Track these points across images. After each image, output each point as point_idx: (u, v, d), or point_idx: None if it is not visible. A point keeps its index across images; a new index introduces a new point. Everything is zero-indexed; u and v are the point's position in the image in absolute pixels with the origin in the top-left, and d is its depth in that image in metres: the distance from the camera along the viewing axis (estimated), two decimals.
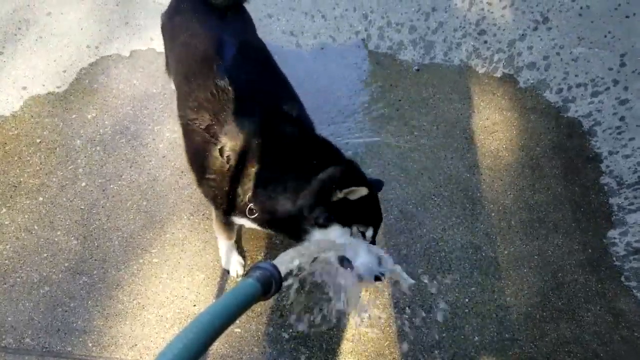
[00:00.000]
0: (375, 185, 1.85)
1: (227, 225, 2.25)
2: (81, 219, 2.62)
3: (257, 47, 2.24)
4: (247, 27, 2.35)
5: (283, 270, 1.29)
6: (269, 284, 1.19)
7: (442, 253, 2.62)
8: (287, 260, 1.42)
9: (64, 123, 2.91)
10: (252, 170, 1.78)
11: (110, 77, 3.10)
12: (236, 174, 1.81)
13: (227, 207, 1.93)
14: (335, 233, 1.65)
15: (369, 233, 1.71)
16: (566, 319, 2.48)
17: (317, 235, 1.67)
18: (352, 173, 1.71)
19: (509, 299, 2.52)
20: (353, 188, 1.60)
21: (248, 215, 1.82)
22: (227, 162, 1.83)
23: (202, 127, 1.91)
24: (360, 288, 1.80)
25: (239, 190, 1.83)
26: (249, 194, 1.79)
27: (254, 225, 1.96)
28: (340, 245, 1.81)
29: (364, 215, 1.67)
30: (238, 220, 1.99)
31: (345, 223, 1.65)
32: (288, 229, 1.78)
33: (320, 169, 1.67)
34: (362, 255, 1.65)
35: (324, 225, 1.64)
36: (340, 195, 1.60)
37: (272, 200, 1.73)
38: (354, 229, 1.67)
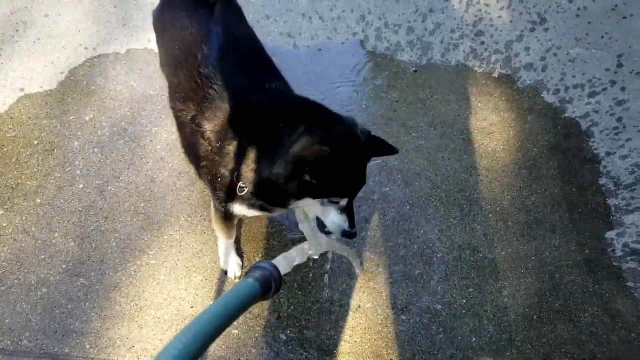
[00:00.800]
0: (369, 147, 1.77)
1: (228, 221, 2.24)
2: (79, 221, 2.63)
3: (243, 35, 2.23)
4: (235, 16, 2.35)
5: (283, 271, 1.30)
6: (268, 285, 1.19)
7: (440, 254, 2.62)
8: (288, 260, 1.42)
9: (61, 125, 2.91)
10: (231, 147, 1.76)
11: (108, 79, 3.10)
12: (219, 154, 1.80)
13: (222, 193, 1.91)
14: (307, 203, 1.70)
15: (343, 202, 1.73)
16: (563, 320, 2.48)
17: (294, 204, 1.71)
18: (327, 154, 1.56)
19: (506, 300, 2.52)
20: (316, 178, 1.58)
21: (239, 193, 1.79)
22: (210, 145, 1.83)
23: (189, 117, 1.91)
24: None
25: (225, 171, 1.81)
26: (236, 173, 1.77)
27: (250, 212, 1.96)
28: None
29: (336, 189, 1.66)
30: (235, 208, 1.97)
31: (317, 196, 1.67)
32: (272, 198, 1.76)
33: (300, 133, 1.62)
34: (331, 217, 1.75)
35: (298, 198, 1.67)
36: (307, 179, 1.59)
37: (254, 172, 1.71)
38: (325, 200, 1.70)
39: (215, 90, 1.86)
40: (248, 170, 1.73)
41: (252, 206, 1.88)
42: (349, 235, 1.77)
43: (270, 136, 1.67)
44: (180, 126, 2.04)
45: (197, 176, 2.10)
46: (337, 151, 1.58)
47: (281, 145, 1.62)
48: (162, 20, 2.34)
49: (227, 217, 2.18)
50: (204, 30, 2.09)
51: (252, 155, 1.71)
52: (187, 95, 1.94)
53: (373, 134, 1.82)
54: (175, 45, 2.12)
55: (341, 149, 1.60)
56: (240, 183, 1.77)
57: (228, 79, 1.89)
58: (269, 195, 1.74)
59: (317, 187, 1.62)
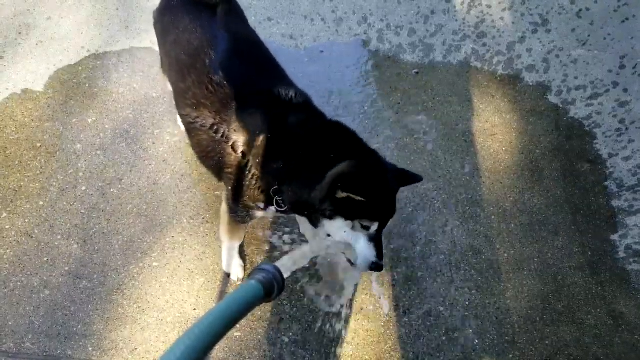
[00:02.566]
0: (400, 177, 1.87)
1: (239, 223, 2.24)
2: (81, 223, 2.63)
3: (248, 38, 2.24)
4: (238, 18, 2.35)
5: (285, 273, 1.30)
6: (271, 286, 1.19)
7: (442, 256, 2.62)
8: (290, 262, 1.42)
9: (64, 127, 2.92)
10: (272, 165, 1.81)
11: (110, 81, 3.11)
12: (256, 168, 1.85)
13: (247, 200, 1.96)
14: (339, 224, 1.72)
15: (374, 227, 1.74)
16: (566, 322, 2.48)
17: (326, 223, 1.73)
18: (360, 172, 1.68)
19: (509, 302, 2.52)
20: (349, 195, 1.62)
21: (277, 208, 1.85)
22: (244, 158, 1.86)
23: (207, 126, 1.93)
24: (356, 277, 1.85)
25: (260, 184, 1.86)
26: (274, 188, 1.82)
27: (270, 215, 2.00)
28: (343, 247, 1.83)
29: (368, 212, 1.69)
30: (259, 212, 2.01)
31: (348, 217, 1.69)
32: (307, 216, 1.82)
33: (338, 158, 1.69)
34: (360, 245, 1.74)
35: (330, 217, 1.70)
36: (342, 195, 1.63)
37: (294, 193, 1.77)
38: (356, 223, 1.71)
39: (237, 100, 1.88)
40: (286, 189, 1.79)
41: (281, 212, 1.91)
42: (377, 267, 1.76)
43: (309, 160, 1.74)
44: (193, 132, 2.03)
45: (200, 178, 2.11)
46: (370, 172, 1.69)
47: (320, 170, 1.69)
48: (164, 22, 2.34)
49: (242, 221, 2.20)
50: (209, 34, 2.09)
51: (290, 175, 1.77)
52: (199, 102, 1.94)
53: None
54: (180, 49, 2.12)
55: (372, 171, 1.71)
56: (277, 197, 1.82)
57: (245, 87, 1.92)
58: (305, 211, 1.81)
59: (349, 205, 1.65)
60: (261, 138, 1.81)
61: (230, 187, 1.99)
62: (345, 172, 1.63)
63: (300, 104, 1.96)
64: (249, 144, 1.83)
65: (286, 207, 1.83)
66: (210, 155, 1.99)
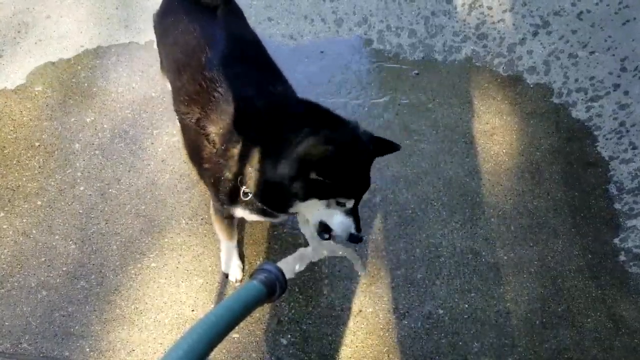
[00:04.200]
0: (371, 148, 1.77)
1: (227, 222, 2.23)
2: (79, 223, 2.62)
3: (246, 38, 2.23)
4: (237, 19, 2.34)
5: (287, 274, 1.29)
6: (273, 287, 1.18)
7: (442, 258, 2.61)
8: (292, 263, 1.40)
9: (62, 126, 2.90)
10: (235, 150, 1.76)
11: (109, 80, 3.10)
12: (223, 157, 1.80)
13: (224, 196, 1.91)
14: (313, 204, 1.69)
15: (349, 204, 1.71)
16: (566, 325, 2.47)
17: (299, 205, 1.69)
18: (334, 152, 1.58)
19: (508, 304, 2.51)
20: (322, 176, 1.57)
21: (242, 198, 1.79)
22: (214, 147, 1.82)
23: (194, 120, 1.90)
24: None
25: (228, 174, 1.81)
26: (240, 176, 1.77)
27: (251, 217, 1.95)
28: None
29: (342, 190, 1.66)
30: (237, 212, 1.96)
31: (322, 197, 1.66)
32: (275, 201, 1.75)
33: (305, 134, 1.62)
34: (338, 219, 1.72)
35: (303, 198, 1.66)
36: (314, 176, 1.59)
37: (258, 174, 1.70)
38: (331, 201, 1.68)
39: (220, 93, 1.85)
40: (252, 173, 1.72)
41: (254, 210, 1.87)
42: (356, 238, 1.74)
43: (274, 139, 1.67)
44: (185, 129, 2.03)
45: (199, 178, 2.10)
46: (342, 150, 1.59)
47: (286, 146, 1.62)
48: (164, 24, 2.34)
49: (227, 219, 2.18)
50: (207, 33, 2.08)
51: (256, 158, 1.70)
52: (191, 98, 1.93)
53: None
54: (178, 49, 2.11)
55: (345, 149, 1.62)
56: (244, 187, 1.76)
57: (232, 82, 1.88)
58: (272, 197, 1.73)
59: (323, 186, 1.61)
60: (229, 124, 1.77)
61: (208, 185, 1.96)
62: (317, 154, 1.57)
63: (275, 92, 1.91)
64: (220, 133, 1.79)
65: (251, 195, 1.75)
66: (195, 151, 1.96)
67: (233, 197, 1.86)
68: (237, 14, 2.38)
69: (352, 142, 1.68)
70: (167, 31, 2.29)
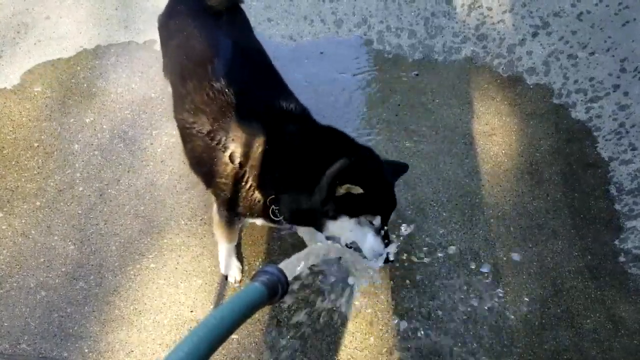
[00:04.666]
0: (394, 169, 1.92)
1: (231, 226, 2.24)
2: (78, 224, 2.62)
3: (252, 48, 2.24)
4: (243, 27, 2.35)
5: (289, 275, 1.28)
6: (275, 289, 1.18)
7: (441, 259, 2.61)
8: (293, 265, 1.40)
9: (61, 127, 2.90)
10: (269, 175, 1.81)
11: (108, 81, 3.10)
12: (251, 177, 1.84)
13: (241, 209, 1.96)
14: (344, 224, 1.74)
15: (377, 221, 1.76)
16: (565, 326, 2.47)
17: (330, 225, 1.75)
18: (357, 167, 1.70)
19: (507, 305, 2.50)
20: (348, 185, 1.63)
21: (272, 218, 1.86)
22: (241, 168, 1.85)
23: (203, 132, 1.91)
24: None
25: (257, 194, 1.86)
26: (270, 197, 1.82)
27: (267, 224, 2.01)
28: (347, 250, 1.82)
29: (370, 205, 1.72)
30: (256, 221, 2.02)
31: (352, 214, 1.71)
32: (309, 223, 1.84)
33: (331, 161, 1.69)
34: (368, 240, 1.78)
35: (334, 217, 1.71)
36: (342, 191, 1.65)
37: (293, 202, 1.78)
38: (361, 218, 1.74)
39: (237, 109, 1.87)
40: (287, 200, 1.79)
41: (275, 222, 1.92)
42: (386, 261, 1.79)
43: (305, 166, 1.75)
44: (188, 138, 2.01)
45: (203, 184, 2.10)
46: (365, 165, 1.72)
47: (316, 173, 1.69)
48: (168, 27, 2.33)
49: (232, 223, 2.20)
50: (213, 40, 2.08)
51: (288, 184, 1.78)
52: (198, 107, 1.92)
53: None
54: (183, 54, 2.11)
55: (369, 165, 1.75)
56: (273, 206, 1.83)
57: (246, 96, 1.91)
58: (303, 219, 1.83)
59: (351, 200, 1.66)
60: (259, 149, 1.81)
61: (223, 197, 1.98)
62: (341, 167, 1.64)
63: (298, 116, 1.96)
64: (247, 154, 1.82)
65: (281, 217, 1.84)
66: (203, 162, 1.97)
67: (254, 211, 1.92)
68: (244, 21, 2.38)
69: (375, 163, 1.80)
70: (171, 34, 2.28)
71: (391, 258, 1.81)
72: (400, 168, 2.00)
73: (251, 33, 2.38)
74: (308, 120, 2.00)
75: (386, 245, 1.78)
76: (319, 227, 1.79)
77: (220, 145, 1.87)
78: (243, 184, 1.87)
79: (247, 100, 1.91)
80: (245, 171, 1.84)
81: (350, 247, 1.83)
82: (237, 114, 1.87)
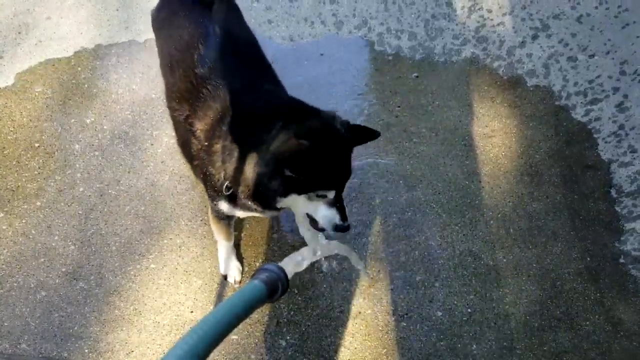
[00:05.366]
0: (356, 132, 1.78)
1: (223, 221, 2.24)
2: (79, 224, 2.62)
3: (241, 36, 2.23)
4: (233, 16, 2.34)
5: (289, 273, 1.29)
6: (275, 287, 1.18)
7: (441, 260, 2.61)
8: (293, 263, 1.41)
9: (62, 127, 2.91)
10: (218, 145, 1.78)
11: (109, 81, 3.10)
12: (208, 153, 1.82)
13: (212, 192, 1.93)
14: (295, 201, 1.70)
15: (330, 195, 1.70)
16: (565, 328, 2.47)
17: (281, 202, 1.70)
18: (307, 147, 1.57)
19: (507, 307, 2.51)
20: (295, 171, 1.58)
21: (224, 193, 1.81)
22: (200, 143, 1.84)
23: (183, 117, 1.93)
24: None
25: (213, 169, 1.82)
26: (223, 171, 1.79)
27: (239, 212, 1.96)
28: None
29: (321, 182, 1.66)
30: (224, 207, 1.97)
31: (301, 192, 1.67)
32: (258, 198, 1.75)
33: (278, 130, 1.63)
34: (321, 211, 1.72)
35: (283, 195, 1.67)
36: (288, 173, 1.59)
37: (239, 172, 1.72)
38: (311, 194, 1.68)
39: (208, 90, 1.86)
40: (233, 170, 1.74)
41: (239, 205, 1.88)
42: (341, 228, 1.73)
43: (252, 135, 1.69)
44: (176, 125, 2.06)
45: (195, 177, 2.11)
46: (314, 143, 1.58)
47: (261, 143, 1.64)
48: (160, 19, 2.35)
49: (222, 217, 2.18)
50: (201, 29, 2.08)
51: (236, 154, 1.72)
52: (182, 95, 1.94)
53: (376, 141, 1.83)
54: (172, 45, 2.12)
55: (318, 141, 1.60)
56: (227, 182, 1.78)
57: (221, 79, 1.89)
58: (255, 194, 1.74)
59: (299, 181, 1.62)
60: (217, 123, 1.78)
61: (200, 180, 1.98)
62: (288, 150, 1.58)
63: (262, 90, 1.93)
64: (208, 130, 1.81)
65: (232, 190, 1.77)
66: (186, 147, 1.98)
67: (219, 192, 1.87)
68: (233, 10, 2.37)
69: (325, 133, 1.67)
70: (162, 26, 2.31)
71: (344, 224, 1.72)
72: (367, 134, 1.84)
73: (241, 21, 2.36)
74: (270, 92, 1.95)
75: (341, 214, 1.71)
76: (270, 204, 1.73)
77: (192, 127, 1.87)
78: (205, 161, 1.83)
79: (220, 84, 1.88)
80: (204, 146, 1.81)
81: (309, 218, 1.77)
82: (207, 95, 1.86)
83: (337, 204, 1.73)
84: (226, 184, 1.78)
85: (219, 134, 1.77)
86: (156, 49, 2.39)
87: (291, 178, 1.60)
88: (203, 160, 1.86)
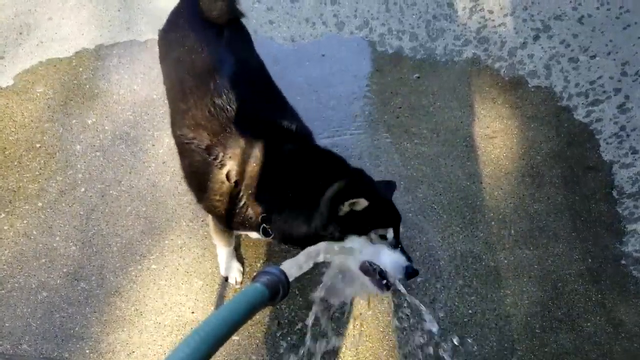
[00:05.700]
0: (386, 187, 1.92)
1: (226, 232, 2.26)
2: (80, 225, 2.62)
3: (254, 65, 2.24)
4: (245, 43, 2.33)
5: (291, 276, 1.29)
6: (276, 289, 1.18)
7: (442, 262, 2.61)
8: (295, 265, 1.40)
9: (64, 128, 2.91)
10: (263, 194, 1.80)
11: (111, 82, 3.10)
12: (245, 197, 1.83)
13: (234, 224, 1.95)
14: (354, 242, 1.67)
15: (390, 234, 1.70)
16: (566, 329, 2.47)
17: (337, 246, 1.66)
18: (355, 184, 1.69)
19: (508, 308, 2.51)
20: (352, 200, 1.60)
21: (264, 236, 1.84)
22: (236, 187, 1.83)
23: (202, 147, 1.89)
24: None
25: (250, 212, 1.85)
26: (262, 215, 1.81)
27: (259, 237, 1.97)
28: (349, 249, 1.80)
29: (377, 220, 1.67)
30: (244, 232, 2.02)
31: (360, 232, 1.66)
32: (302, 244, 1.74)
33: (328, 184, 1.67)
34: (386, 255, 1.67)
35: (340, 239, 1.65)
36: (345, 209, 1.61)
37: (287, 224, 1.75)
38: (372, 234, 1.67)
39: (238, 126, 1.86)
40: (280, 222, 1.77)
41: (268, 237, 1.90)
42: (412, 273, 1.67)
43: (304, 191, 1.72)
44: (186, 152, 1.99)
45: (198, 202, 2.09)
46: (363, 183, 1.73)
47: (316, 200, 1.66)
48: (168, 40, 2.31)
49: (227, 231, 2.21)
50: (215, 56, 2.06)
51: (286, 209, 1.75)
52: (198, 123, 1.91)
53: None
54: (184, 69, 2.08)
55: (366, 183, 1.76)
56: (264, 225, 1.81)
57: (247, 114, 1.90)
58: (296, 241, 1.78)
59: (357, 217, 1.63)
60: (256, 168, 1.80)
61: (216, 213, 1.97)
62: (340, 187, 1.63)
63: (297, 136, 1.95)
64: (243, 173, 1.81)
65: (273, 235, 1.82)
66: (199, 177, 1.95)
67: (247, 227, 1.91)
68: (245, 36, 2.37)
69: (370, 180, 1.81)
70: (171, 46, 2.25)
71: (413, 266, 1.69)
72: (390, 186, 1.97)
73: (253, 49, 2.36)
74: (307, 141, 1.99)
75: (406, 255, 1.69)
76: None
77: (217, 162, 1.85)
78: (237, 202, 1.85)
79: (247, 118, 1.89)
80: (241, 190, 1.83)
81: (367, 271, 1.69)
82: (236, 131, 1.86)
83: (399, 246, 1.71)
84: (264, 226, 1.81)
85: (262, 182, 1.79)
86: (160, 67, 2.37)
87: (348, 216, 1.62)
88: (233, 200, 1.85)
